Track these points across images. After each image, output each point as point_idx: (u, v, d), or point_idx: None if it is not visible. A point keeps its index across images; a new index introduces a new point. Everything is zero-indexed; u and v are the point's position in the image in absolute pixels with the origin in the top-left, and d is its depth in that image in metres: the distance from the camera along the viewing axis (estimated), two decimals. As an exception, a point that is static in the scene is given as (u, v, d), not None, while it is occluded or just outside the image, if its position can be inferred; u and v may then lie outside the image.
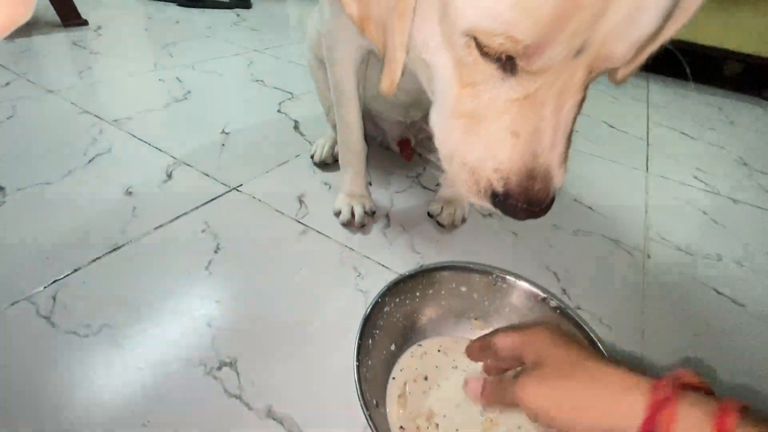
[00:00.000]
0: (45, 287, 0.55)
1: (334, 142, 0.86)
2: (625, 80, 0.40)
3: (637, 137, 1.19)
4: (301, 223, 0.71)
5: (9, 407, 0.43)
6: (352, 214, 0.71)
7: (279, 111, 1.09)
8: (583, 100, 0.34)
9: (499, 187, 0.35)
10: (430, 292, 0.51)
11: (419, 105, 0.83)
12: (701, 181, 1.01)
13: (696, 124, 1.34)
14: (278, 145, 0.93)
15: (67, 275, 0.57)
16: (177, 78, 1.21)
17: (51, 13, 1.49)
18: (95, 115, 0.96)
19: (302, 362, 0.50)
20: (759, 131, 1.37)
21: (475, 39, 0.31)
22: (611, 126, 1.25)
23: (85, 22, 1.55)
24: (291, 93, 1.19)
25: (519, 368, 0.39)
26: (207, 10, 1.96)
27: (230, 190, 0.77)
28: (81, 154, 0.82)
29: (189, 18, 1.82)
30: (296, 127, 1.02)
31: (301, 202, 0.76)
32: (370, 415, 0.35)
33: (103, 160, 0.82)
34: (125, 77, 1.19)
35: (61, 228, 0.64)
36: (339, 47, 0.60)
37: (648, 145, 1.15)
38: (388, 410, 0.43)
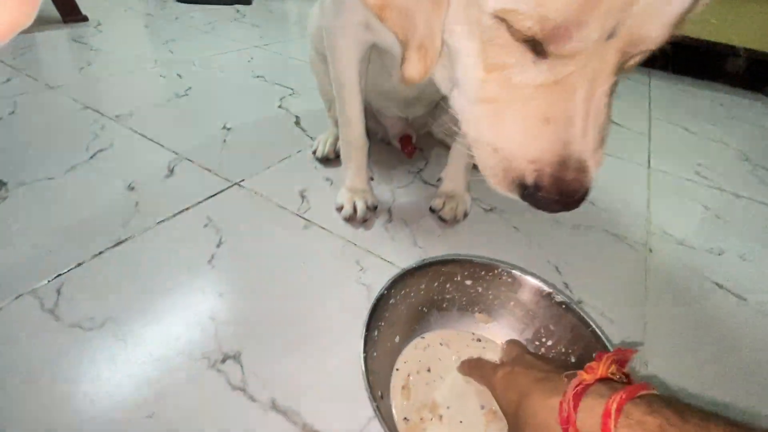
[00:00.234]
0: (49, 281, 0.55)
1: (336, 138, 0.86)
2: (631, 70, 0.40)
3: (638, 133, 1.19)
4: (304, 218, 0.71)
5: (14, 400, 0.43)
6: (354, 209, 0.71)
7: (280, 107, 1.09)
8: (615, 86, 0.32)
9: (531, 179, 0.33)
10: (435, 285, 0.51)
11: (421, 100, 0.83)
12: (703, 176, 1.01)
13: (698, 120, 1.34)
14: (280, 141, 0.93)
15: (71, 269, 0.57)
16: (178, 74, 1.21)
17: (51, 10, 1.49)
18: (96, 111, 0.96)
19: (305, 355, 0.50)
20: (761, 127, 1.37)
21: (505, 21, 0.30)
22: (613, 122, 1.24)
23: (85, 19, 1.55)
24: (292, 89, 1.19)
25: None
26: (207, 6, 1.95)
27: (232, 186, 0.77)
28: (83, 149, 0.82)
29: (189, 14, 1.82)
30: (297, 123, 1.02)
31: (303, 197, 0.76)
32: (377, 406, 0.35)
33: (105, 155, 0.82)
34: (126, 73, 1.19)
35: (63, 223, 0.65)
36: (341, 41, 0.60)
37: (650, 140, 1.15)
38: (392, 401, 0.43)
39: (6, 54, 1.19)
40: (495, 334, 0.51)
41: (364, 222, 0.71)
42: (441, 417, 0.42)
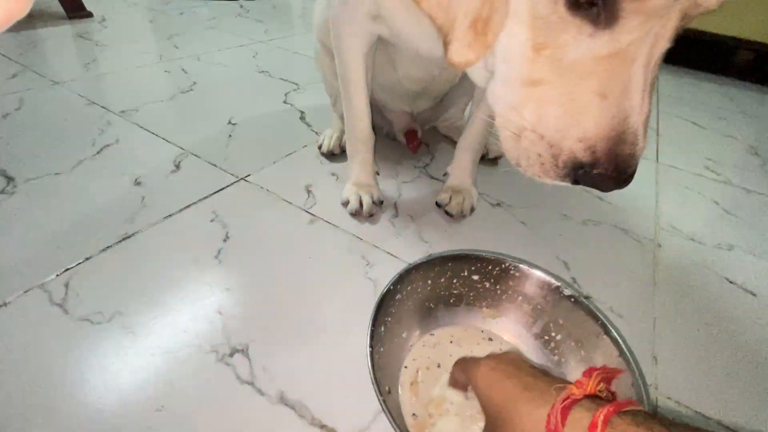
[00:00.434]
0: (57, 275, 0.55)
1: (341, 133, 0.85)
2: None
3: (646, 127, 1.18)
4: (310, 213, 0.71)
5: (23, 394, 0.43)
6: (360, 204, 0.70)
7: (285, 102, 1.09)
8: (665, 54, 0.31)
9: (586, 157, 0.32)
10: (442, 280, 0.51)
11: (427, 95, 0.83)
12: (712, 171, 1.00)
13: (707, 114, 1.33)
14: (285, 136, 0.93)
15: (79, 263, 0.57)
16: (183, 69, 1.21)
17: (56, 6, 1.49)
18: (102, 107, 0.96)
19: (313, 349, 0.50)
20: (771, 121, 1.35)
21: None
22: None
23: (89, 14, 1.55)
24: (297, 84, 1.19)
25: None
26: (211, 1, 1.95)
27: (238, 180, 0.77)
28: (89, 145, 0.82)
29: (193, 9, 1.81)
30: (302, 118, 1.02)
31: (309, 192, 0.76)
32: (384, 401, 0.35)
33: (111, 150, 0.82)
34: (131, 69, 1.19)
35: (71, 218, 0.65)
36: (347, 33, 0.60)
37: (658, 135, 1.14)
38: (401, 397, 0.43)
39: (12, 50, 1.19)
40: (503, 329, 0.51)
41: (370, 217, 0.71)
42: (449, 413, 0.42)
